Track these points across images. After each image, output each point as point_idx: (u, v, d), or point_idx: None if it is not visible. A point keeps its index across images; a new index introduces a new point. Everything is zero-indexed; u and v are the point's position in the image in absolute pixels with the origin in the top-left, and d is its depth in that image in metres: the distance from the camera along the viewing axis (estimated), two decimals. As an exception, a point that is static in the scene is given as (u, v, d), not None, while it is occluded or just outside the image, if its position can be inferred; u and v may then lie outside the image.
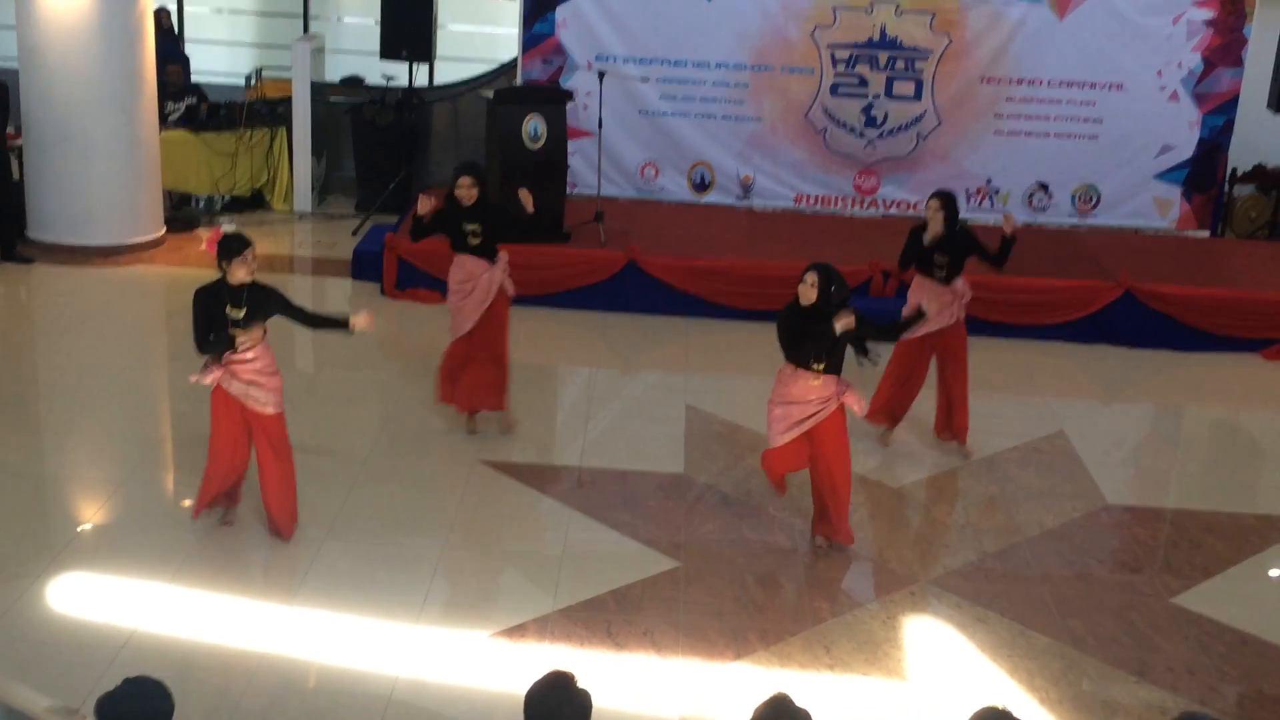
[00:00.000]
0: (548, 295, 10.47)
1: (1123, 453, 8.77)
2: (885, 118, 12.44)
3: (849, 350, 6.75)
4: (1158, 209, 12.58)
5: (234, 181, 12.39)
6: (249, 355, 6.39)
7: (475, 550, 6.89)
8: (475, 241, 7.72)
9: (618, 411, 8.86)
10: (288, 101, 12.45)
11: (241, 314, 6.32)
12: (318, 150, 12.66)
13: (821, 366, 6.62)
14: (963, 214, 12.05)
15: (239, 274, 6.29)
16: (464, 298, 7.79)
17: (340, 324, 6.68)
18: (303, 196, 12.53)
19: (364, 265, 10.87)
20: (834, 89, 12.37)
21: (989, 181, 12.54)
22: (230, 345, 6.34)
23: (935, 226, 7.88)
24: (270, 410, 6.49)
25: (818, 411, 6.69)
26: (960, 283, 7.96)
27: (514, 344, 9.66)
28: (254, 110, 12.49)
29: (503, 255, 7.83)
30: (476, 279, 7.76)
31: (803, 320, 6.55)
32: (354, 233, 11.71)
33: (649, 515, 7.21)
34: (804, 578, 6.76)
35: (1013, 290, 10.42)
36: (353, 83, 13.20)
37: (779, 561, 6.89)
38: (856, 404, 6.72)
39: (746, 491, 7.57)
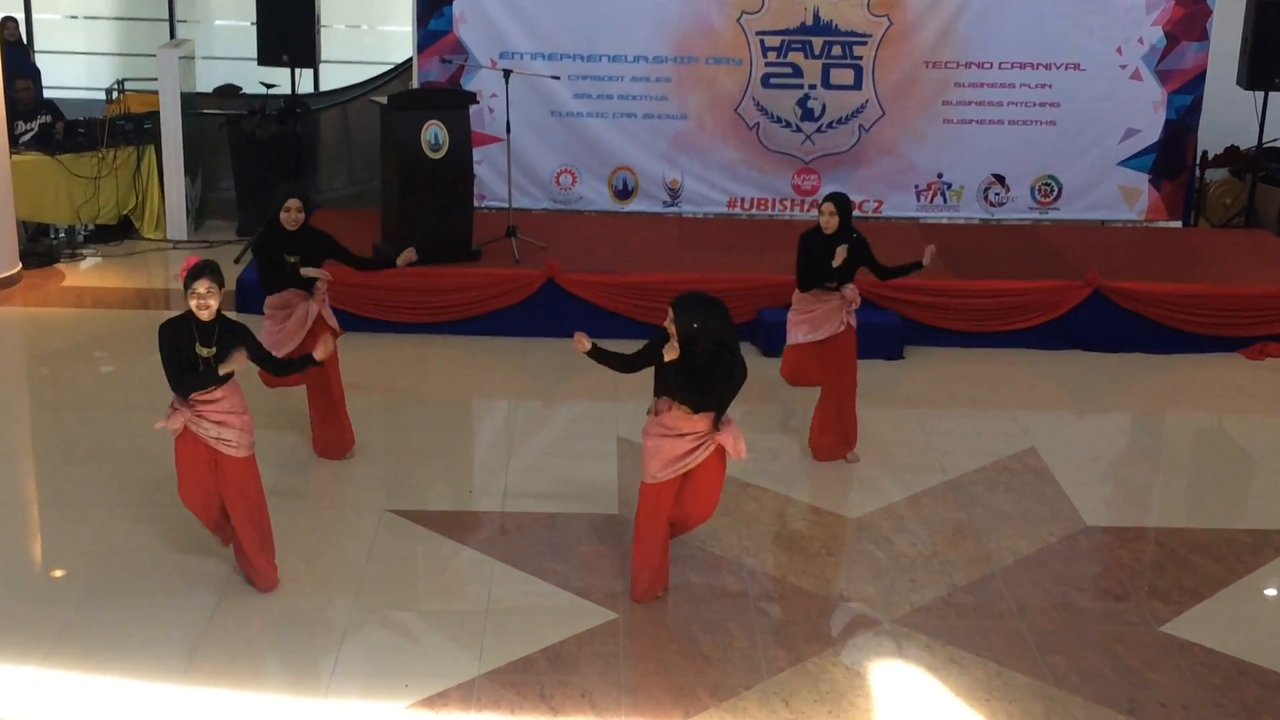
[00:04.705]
0: (457, 321, 10.45)
1: (1100, 468, 8.88)
2: (823, 110, 12.56)
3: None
4: (1124, 199, 12.80)
5: (98, 208, 12.25)
6: (216, 394, 6.50)
7: (388, 610, 6.82)
8: (294, 272, 7.91)
9: (542, 448, 8.83)
10: (155, 116, 12.34)
11: (211, 352, 6.43)
12: (191, 169, 12.55)
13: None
14: (915, 212, 12.39)
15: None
16: (278, 324, 8.01)
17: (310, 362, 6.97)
18: (176, 222, 12.41)
19: (249, 296, 10.69)
20: (765, 80, 12.48)
21: (940, 176, 12.70)
22: (214, 380, 6.43)
23: (829, 231, 8.00)
24: (240, 454, 6.58)
25: (695, 449, 6.63)
26: (850, 289, 8.15)
27: (422, 377, 9.64)
28: (117, 127, 12.36)
29: (320, 286, 8.03)
30: (293, 308, 7.99)
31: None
32: (236, 260, 11.60)
33: (581, 562, 7.19)
34: (756, 624, 6.76)
35: (970, 294, 10.55)
36: (228, 92, 13.11)
37: (728, 607, 6.89)
38: (732, 446, 6.66)
39: (689, 531, 7.57)
